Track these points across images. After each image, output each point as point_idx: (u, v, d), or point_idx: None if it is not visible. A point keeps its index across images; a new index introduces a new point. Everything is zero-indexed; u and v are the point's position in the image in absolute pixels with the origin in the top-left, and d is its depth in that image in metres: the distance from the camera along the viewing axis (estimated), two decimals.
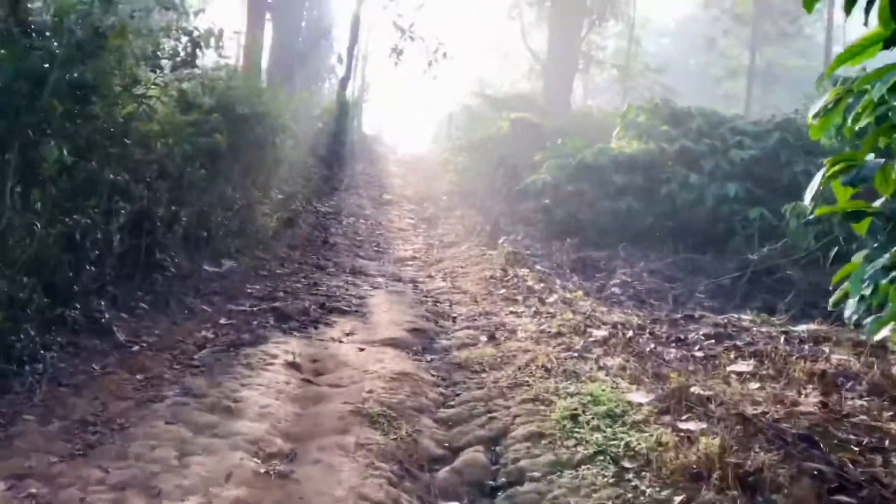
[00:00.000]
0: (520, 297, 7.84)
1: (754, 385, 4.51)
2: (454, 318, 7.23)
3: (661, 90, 26.95)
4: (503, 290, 8.34)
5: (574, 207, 12.60)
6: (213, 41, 6.11)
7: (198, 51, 6.12)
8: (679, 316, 6.32)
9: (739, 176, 12.18)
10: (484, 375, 5.14)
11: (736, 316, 6.25)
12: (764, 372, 4.70)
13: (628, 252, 10.90)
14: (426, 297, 8.39)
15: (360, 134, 33.11)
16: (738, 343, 5.35)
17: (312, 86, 26.67)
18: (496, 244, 11.68)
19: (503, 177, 15.16)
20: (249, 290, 7.54)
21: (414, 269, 10.50)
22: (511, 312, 7.15)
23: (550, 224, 13.14)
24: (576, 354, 5.34)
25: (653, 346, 5.43)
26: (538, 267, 9.30)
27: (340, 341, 6.05)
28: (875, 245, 3.65)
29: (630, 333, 5.69)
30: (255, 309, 6.74)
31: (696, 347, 5.41)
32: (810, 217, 8.54)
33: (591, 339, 5.66)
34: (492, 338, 6.10)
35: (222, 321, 6.27)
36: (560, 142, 14.30)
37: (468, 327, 6.67)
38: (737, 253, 10.29)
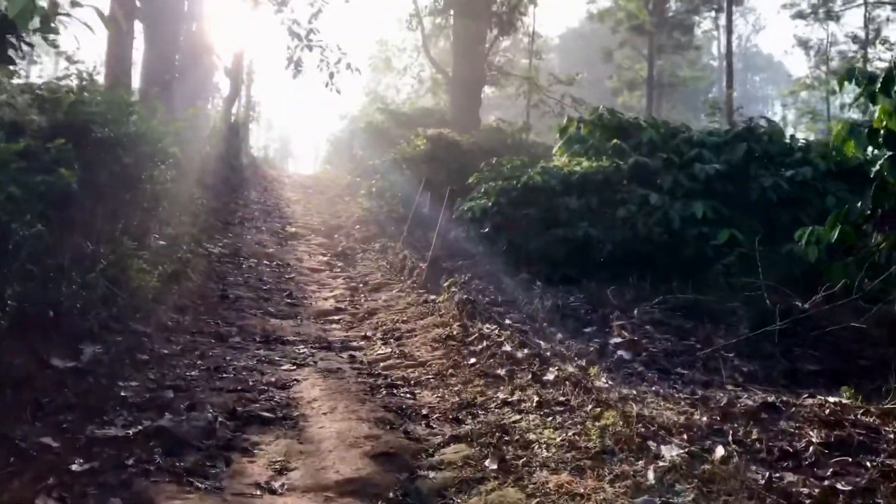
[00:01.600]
0: (502, 372, 5.84)
1: None
2: (425, 415, 5.14)
3: (571, 103, 25.90)
4: (473, 360, 6.33)
5: (521, 236, 10.78)
6: (37, 19, 3.81)
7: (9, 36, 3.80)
8: (753, 404, 4.50)
9: (701, 193, 10.75)
10: None
11: (833, 401, 4.49)
12: None
13: (597, 290, 9.17)
14: (372, 375, 6.25)
15: (250, 156, 30.44)
16: (890, 462, 3.56)
17: (194, 105, 23.88)
18: (438, 286, 9.67)
19: (430, 202, 13.18)
20: (123, 393, 5.17)
21: (343, 328, 8.32)
22: (505, 403, 5.14)
23: (493, 256, 11.27)
24: (658, 501, 3.40)
25: (764, 472, 3.57)
26: (507, 320, 7.33)
27: (272, 491, 3.84)
28: None
29: (720, 451, 3.80)
30: (130, 433, 4.40)
31: (828, 471, 3.59)
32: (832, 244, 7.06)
33: (662, 463, 3.74)
34: (502, 462, 4.07)
35: (76, 466, 3.92)
36: (495, 161, 12.48)
37: (455, 437, 4.59)
38: (725, 288, 8.74)
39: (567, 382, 5.26)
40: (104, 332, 6.16)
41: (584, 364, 5.81)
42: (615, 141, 11.30)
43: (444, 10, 22.49)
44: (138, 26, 16.02)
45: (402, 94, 31.97)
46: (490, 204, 11.01)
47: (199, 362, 6.25)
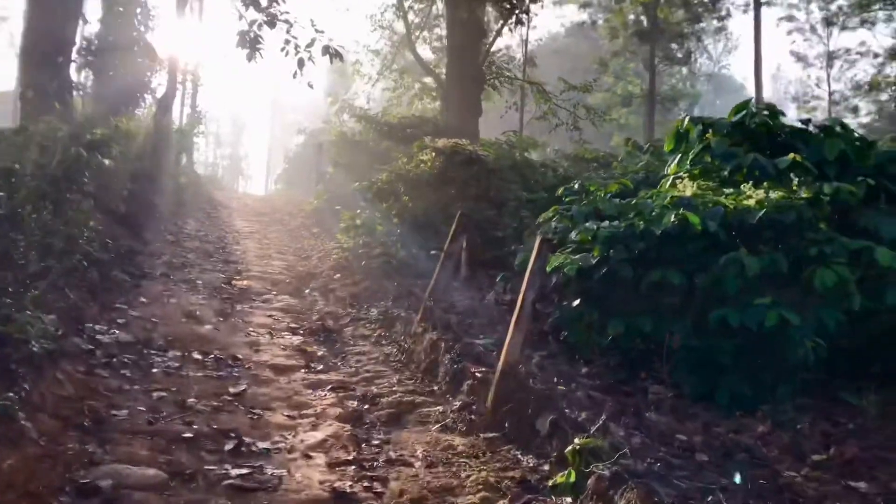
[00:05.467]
0: None
1: None
2: None
3: (586, 115, 21.56)
4: None
5: (650, 320, 6.14)
6: None
7: None
8: None
9: None
10: None
11: None
12: None
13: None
14: None
15: (193, 175, 25.38)
16: None
17: (122, 108, 18.74)
18: (526, 427, 4.96)
19: (469, 248, 8.45)
20: None
21: None
22: None
23: (589, 346, 6.62)
24: None
25: None
26: None
27: None
28: None
29: None
30: None
31: None
32: None
33: None
34: None
35: None
36: (577, 185, 7.83)
37: None
38: None
39: None
40: None
41: None
42: (793, 156, 6.74)
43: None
44: None
45: (374, 104, 27.17)
46: (593, 260, 6.34)
47: None
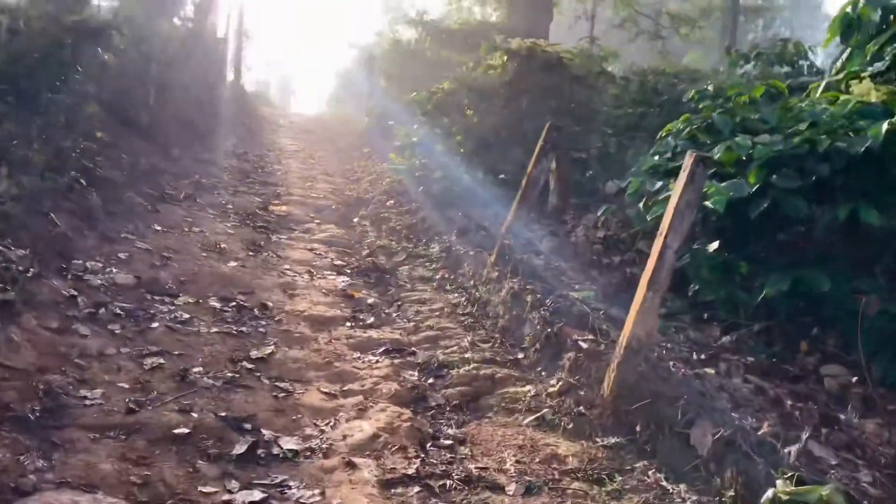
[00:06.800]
0: None
1: None
2: None
3: (670, 23, 19.14)
4: None
5: (823, 274, 4.37)
6: None
7: None
8: None
9: None
10: None
11: None
12: None
13: None
14: None
15: (238, 90, 23.73)
16: None
17: (157, 14, 17.09)
18: (685, 442, 3.34)
19: (559, 172, 6.69)
20: None
21: None
22: None
23: (726, 309, 4.90)
24: None
25: None
26: None
27: None
28: None
29: None
30: None
31: None
32: None
33: None
34: None
35: None
36: (712, 87, 5.96)
37: None
38: None
39: None
40: None
41: None
42: None
43: None
44: None
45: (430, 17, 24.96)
46: (749, 190, 4.55)
47: None
